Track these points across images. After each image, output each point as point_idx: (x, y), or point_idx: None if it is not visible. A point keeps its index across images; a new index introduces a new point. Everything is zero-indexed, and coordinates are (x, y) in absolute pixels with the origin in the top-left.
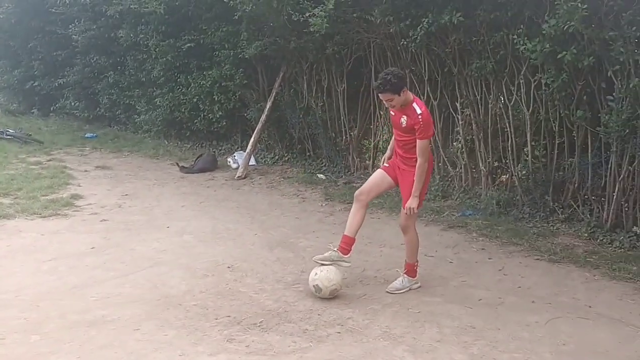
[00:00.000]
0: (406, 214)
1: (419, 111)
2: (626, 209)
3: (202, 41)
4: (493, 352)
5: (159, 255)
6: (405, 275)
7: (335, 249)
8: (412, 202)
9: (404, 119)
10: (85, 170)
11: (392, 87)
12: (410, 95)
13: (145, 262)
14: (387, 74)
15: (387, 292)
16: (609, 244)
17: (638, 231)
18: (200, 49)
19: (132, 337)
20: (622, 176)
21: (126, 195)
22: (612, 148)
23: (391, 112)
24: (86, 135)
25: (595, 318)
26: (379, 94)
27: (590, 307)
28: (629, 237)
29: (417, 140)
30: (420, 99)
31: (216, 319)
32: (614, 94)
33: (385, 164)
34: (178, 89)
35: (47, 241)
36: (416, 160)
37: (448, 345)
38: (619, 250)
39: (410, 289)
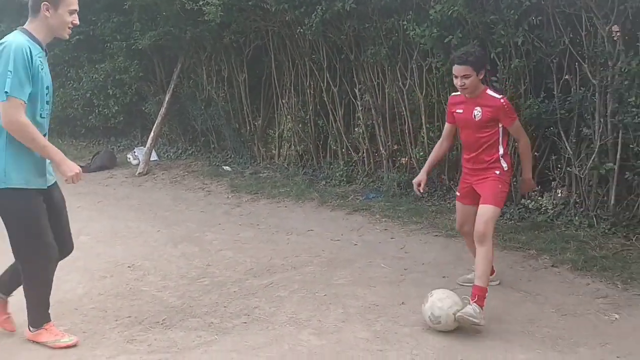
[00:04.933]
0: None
1: (498, 96)
2: (515, 183)
3: (92, 33)
4: (395, 326)
5: None
6: (476, 305)
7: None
8: (527, 186)
9: (477, 111)
10: None
11: (475, 61)
12: (482, 85)
13: None
14: (472, 46)
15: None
16: (501, 216)
17: (526, 203)
18: (91, 41)
19: (24, 347)
20: (509, 152)
21: None
22: None
23: (457, 111)
24: None
25: (489, 287)
26: (457, 65)
27: None
28: (518, 209)
29: (510, 127)
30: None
31: (116, 320)
32: (497, 75)
33: (457, 194)
34: (69, 84)
35: None
36: (497, 160)
37: (352, 324)
38: (510, 222)
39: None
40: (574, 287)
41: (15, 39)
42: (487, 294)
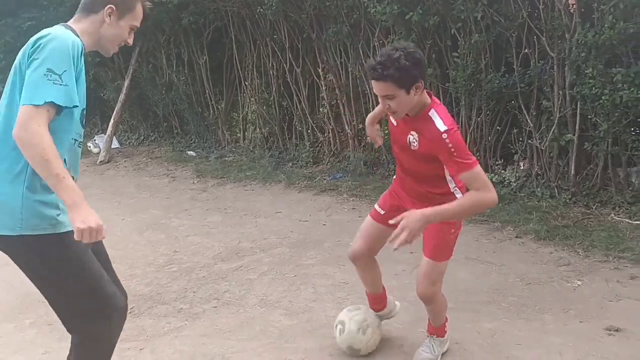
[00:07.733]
0: (397, 242)
1: (442, 127)
2: (478, 157)
3: (45, 19)
4: (364, 303)
5: None
6: (435, 337)
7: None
8: (409, 223)
9: (413, 138)
10: None
11: (399, 75)
12: (427, 99)
13: None
14: (395, 50)
15: None
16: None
17: (490, 177)
18: (44, 27)
19: None
20: (472, 127)
21: None
22: (461, 102)
23: (392, 119)
24: None
25: (456, 260)
26: (373, 80)
27: None
28: None
29: (456, 175)
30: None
31: None
32: (458, 50)
33: (377, 208)
34: None
35: None
36: (449, 194)
37: (323, 303)
38: None
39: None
40: (537, 256)
41: (64, 33)
42: (447, 325)
